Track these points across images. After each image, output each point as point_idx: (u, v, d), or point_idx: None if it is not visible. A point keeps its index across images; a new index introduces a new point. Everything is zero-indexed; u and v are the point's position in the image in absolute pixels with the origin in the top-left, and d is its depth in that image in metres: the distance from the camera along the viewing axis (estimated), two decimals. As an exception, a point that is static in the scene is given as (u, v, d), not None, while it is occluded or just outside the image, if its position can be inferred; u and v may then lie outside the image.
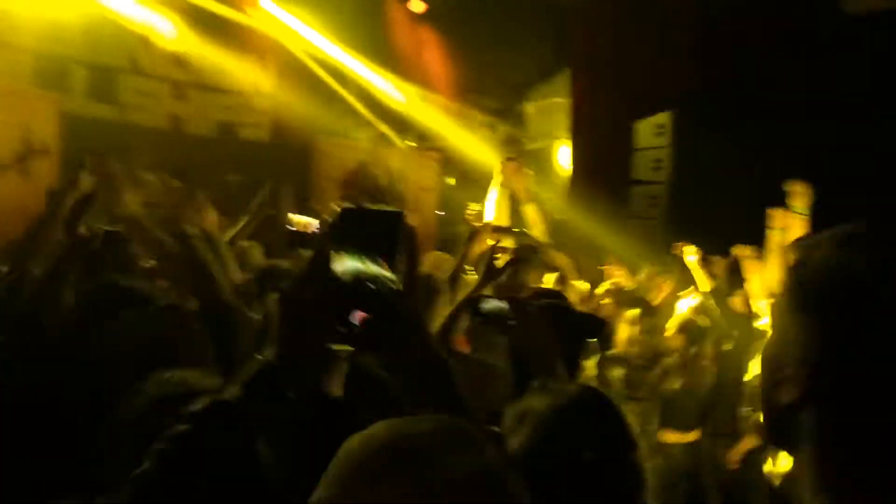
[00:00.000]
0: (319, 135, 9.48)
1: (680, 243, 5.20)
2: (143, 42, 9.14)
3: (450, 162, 10.04)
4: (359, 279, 1.19)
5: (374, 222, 1.28)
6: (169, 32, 8.93)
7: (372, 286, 1.19)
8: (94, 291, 2.50)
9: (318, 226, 5.76)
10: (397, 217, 1.28)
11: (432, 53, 10.40)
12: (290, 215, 5.82)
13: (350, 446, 0.95)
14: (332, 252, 1.20)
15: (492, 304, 2.69)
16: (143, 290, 2.51)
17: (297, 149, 9.43)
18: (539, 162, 9.43)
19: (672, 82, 7.62)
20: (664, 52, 7.62)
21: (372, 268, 1.20)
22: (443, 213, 9.41)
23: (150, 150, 8.48)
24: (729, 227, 5.11)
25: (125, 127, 8.43)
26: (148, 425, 1.30)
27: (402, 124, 10.80)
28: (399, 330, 1.22)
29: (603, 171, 8.17)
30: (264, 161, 9.32)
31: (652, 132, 7.94)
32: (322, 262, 1.21)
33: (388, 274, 1.20)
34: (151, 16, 8.75)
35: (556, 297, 3.06)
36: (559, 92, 9.28)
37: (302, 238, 5.31)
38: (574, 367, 2.59)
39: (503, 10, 9.22)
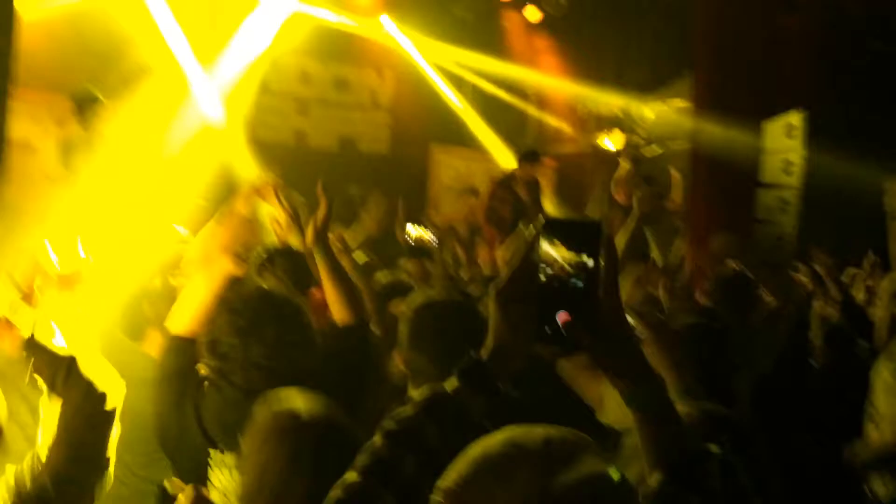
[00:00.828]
0: (438, 145, 9.64)
1: (816, 249, 4.85)
2: (269, 60, 9.61)
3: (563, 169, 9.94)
4: (564, 281, 1.24)
5: (576, 232, 1.34)
6: (293, 50, 9.35)
7: (578, 288, 1.26)
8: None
9: (435, 236, 5.82)
10: (598, 227, 1.34)
11: (549, 61, 10.35)
12: (408, 227, 5.91)
13: (474, 450, 1.09)
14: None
15: None
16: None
17: (416, 160, 9.63)
18: (659, 167, 9.17)
19: (802, 81, 7.24)
20: (793, 49, 7.25)
21: (572, 258, 1.28)
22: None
23: (276, 166, 8.93)
24: (864, 234, 4.78)
25: (252, 144, 8.85)
26: None
27: (519, 133, 10.81)
28: (603, 332, 1.26)
29: (725, 173, 7.84)
30: (384, 173, 9.56)
31: (783, 133, 7.55)
32: (531, 262, 1.26)
33: (586, 260, 1.27)
34: (276, 35, 9.20)
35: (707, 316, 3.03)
36: (679, 95, 9.01)
37: (421, 248, 5.38)
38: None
39: (619, 15, 9.06)
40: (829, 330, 3.91)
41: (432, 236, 6.02)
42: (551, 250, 1.27)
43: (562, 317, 1.24)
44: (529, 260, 1.27)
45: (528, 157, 7.51)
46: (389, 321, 3.20)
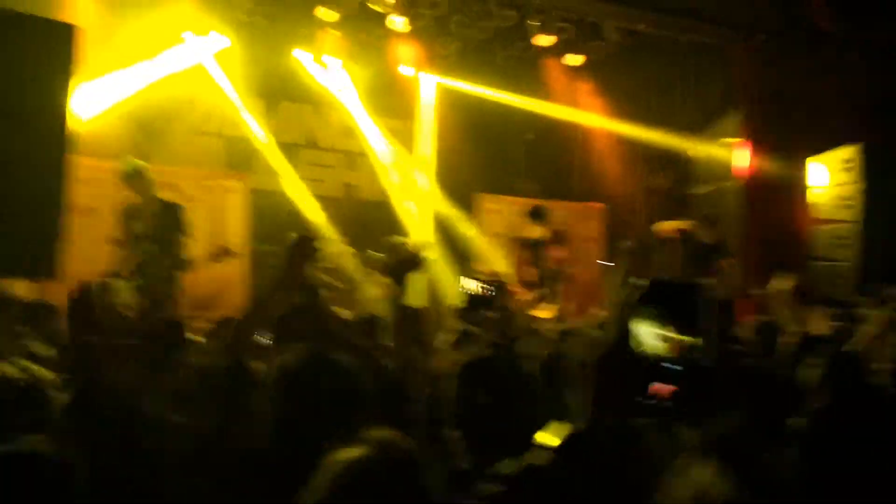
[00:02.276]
0: (481, 193, 9.69)
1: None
2: (318, 118, 9.87)
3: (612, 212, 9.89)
4: (656, 353, 1.26)
5: (675, 294, 1.35)
6: (341, 107, 9.59)
7: (676, 363, 1.25)
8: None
9: (493, 287, 5.80)
10: (695, 289, 1.34)
11: (594, 104, 10.36)
12: (462, 279, 5.91)
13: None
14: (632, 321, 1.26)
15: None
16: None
17: (460, 208, 9.68)
18: (709, 205, 9.04)
19: (852, 114, 7.09)
20: (838, 82, 7.12)
21: (672, 336, 1.27)
22: (606, 263, 9.24)
23: (328, 217, 9.12)
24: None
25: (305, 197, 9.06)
26: None
27: (566, 177, 10.80)
28: (709, 403, 1.27)
29: (777, 211, 7.69)
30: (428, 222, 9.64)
31: (838, 167, 7.37)
32: (625, 332, 1.29)
33: (687, 340, 1.26)
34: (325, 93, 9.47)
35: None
36: (728, 133, 8.90)
37: (480, 300, 5.35)
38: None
39: (662, 55, 9.05)
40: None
41: (489, 289, 6.00)
42: (647, 330, 1.24)
43: (663, 389, 1.21)
44: (624, 330, 1.24)
45: (534, 214, 7.66)
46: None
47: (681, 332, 1.24)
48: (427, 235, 9.36)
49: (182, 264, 5.79)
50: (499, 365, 2.39)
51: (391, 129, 10.08)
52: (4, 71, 4.89)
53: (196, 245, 6.07)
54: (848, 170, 7.23)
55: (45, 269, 4.88)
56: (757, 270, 7.52)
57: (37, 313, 4.17)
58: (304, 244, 2.61)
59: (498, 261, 8.60)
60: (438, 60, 9.66)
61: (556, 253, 8.00)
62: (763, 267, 7.64)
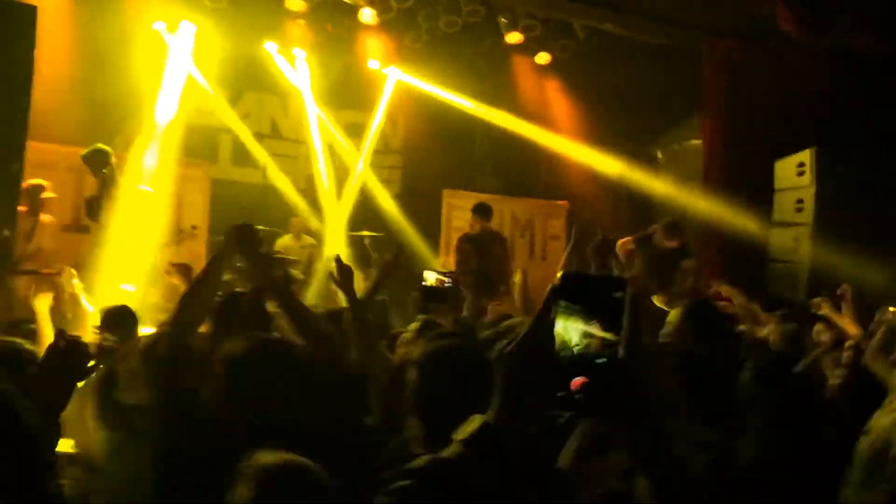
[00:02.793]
0: (449, 190, 9.69)
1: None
2: (282, 108, 9.78)
3: (576, 211, 9.97)
4: (584, 350, 1.24)
5: (597, 288, 1.32)
6: (304, 97, 9.50)
7: (598, 357, 1.23)
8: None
9: (450, 281, 5.82)
10: (620, 284, 1.32)
11: (560, 103, 10.44)
12: (425, 272, 5.93)
13: None
14: (553, 315, 1.23)
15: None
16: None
17: (427, 202, 9.68)
18: (671, 205, 9.17)
19: (811, 118, 7.25)
20: (801, 87, 7.28)
21: (596, 333, 1.24)
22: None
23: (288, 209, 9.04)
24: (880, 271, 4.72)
25: (266, 188, 8.96)
26: None
27: (531, 174, 10.85)
28: (622, 397, 1.23)
29: (740, 213, 7.82)
30: (395, 216, 9.62)
31: (793, 171, 7.53)
32: (546, 327, 1.24)
33: (609, 337, 1.24)
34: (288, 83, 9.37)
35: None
36: (691, 135, 9.04)
37: (436, 293, 5.35)
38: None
39: (629, 56, 9.14)
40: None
41: (447, 282, 6.01)
42: (573, 326, 1.23)
43: (576, 383, 1.20)
44: (545, 325, 1.22)
45: (480, 210, 7.53)
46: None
47: (606, 328, 1.24)
48: (389, 229, 9.34)
49: None
50: (459, 355, 2.39)
51: (356, 123, 10.03)
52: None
53: (157, 230, 5.95)
54: (802, 173, 7.39)
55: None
56: (719, 272, 7.66)
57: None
58: (244, 232, 2.57)
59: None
60: (406, 54, 9.63)
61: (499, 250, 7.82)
62: (724, 268, 7.79)
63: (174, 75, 8.36)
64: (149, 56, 8.17)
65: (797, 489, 2.26)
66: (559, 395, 1.23)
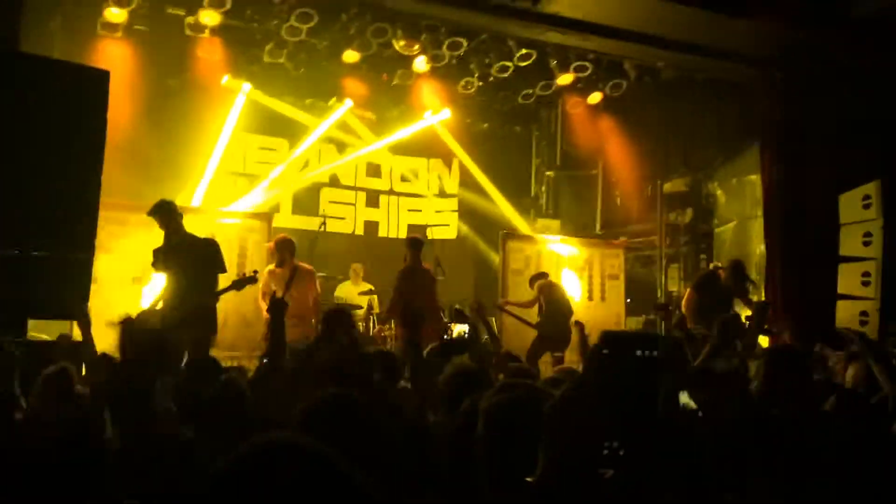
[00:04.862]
0: (505, 231, 9.73)
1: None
2: (342, 156, 10.03)
3: (634, 249, 9.89)
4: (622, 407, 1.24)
5: (630, 345, 1.34)
6: (363, 147, 9.75)
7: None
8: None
9: (469, 331, 5.77)
10: (653, 341, 1.34)
11: (613, 141, 10.43)
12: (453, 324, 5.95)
13: None
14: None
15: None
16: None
17: (483, 246, 9.74)
18: (728, 242, 9.02)
19: (874, 148, 7.05)
20: (858, 116, 7.10)
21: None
22: (630, 301, 9.21)
23: (348, 255, 9.21)
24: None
25: (325, 235, 9.15)
26: None
27: (588, 216, 10.83)
28: (661, 456, 1.25)
29: (804, 248, 7.62)
30: (453, 259, 9.67)
31: (859, 204, 7.33)
32: (584, 386, 1.26)
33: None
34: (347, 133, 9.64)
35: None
36: (749, 169, 8.90)
37: (452, 345, 5.29)
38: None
39: (682, 90, 9.11)
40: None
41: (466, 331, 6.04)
42: None
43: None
44: (584, 385, 1.27)
45: (412, 243, 7.05)
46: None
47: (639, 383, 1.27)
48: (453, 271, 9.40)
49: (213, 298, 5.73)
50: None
51: (413, 168, 10.21)
52: (44, 114, 5.04)
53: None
54: (867, 206, 7.19)
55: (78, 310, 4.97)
56: (785, 309, 7.48)
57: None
58: (340, 315, 2.78)
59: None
60: (459, 100, 9.79)
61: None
62: (791, 305, 7.58)
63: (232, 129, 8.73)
64: (212, 112, 8.55)
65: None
66: (604, 451, 1.24)
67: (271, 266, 6.84)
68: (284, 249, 6.73)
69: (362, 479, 1.05)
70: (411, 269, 6.99)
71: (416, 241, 7.20)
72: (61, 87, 5.14)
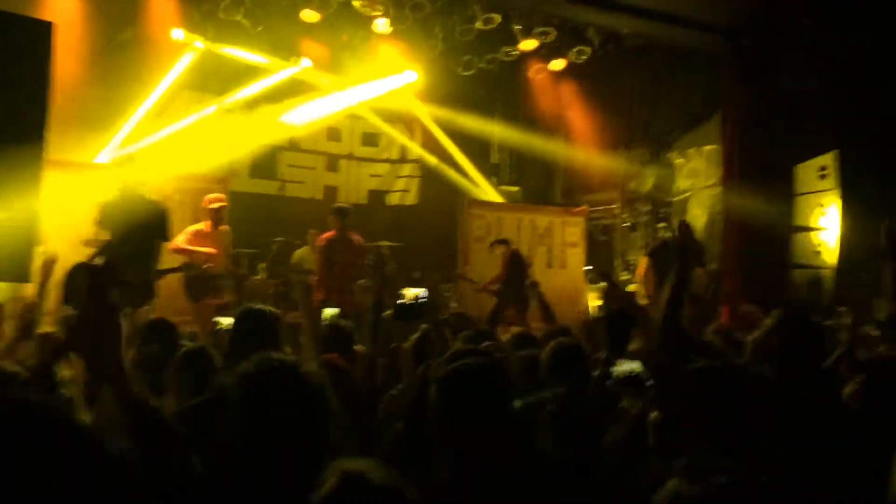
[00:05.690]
0: (464, 197, 9.67)
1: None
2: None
3: (595, 217, 9.91)
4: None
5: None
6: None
7: None
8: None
9: (424, 296, 5.73)
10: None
11: (576, 108, 10.39)
12: (404, 289, 5.91)
13: None
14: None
15: (624, 368, 2.57)
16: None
17: (444, 211, 9.65)
18: (687, 210, 9.09)
19: (834, 120, 7.11)
20: (823, 89, 7.14)
21: None
22: (590, 269, 9.24)
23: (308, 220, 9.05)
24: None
25: (284, 200, 8.99)
26: None
27: (548, 182, 10.82)
28: None
29: (761, 217, 7.70)
30: (413, 225, 9.59)
31: (815, 175, 7.42)
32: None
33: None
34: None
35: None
36: (709, 138, 8.94)
37: (410, 310, 5.26)
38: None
39: (646, 59, 9.08)
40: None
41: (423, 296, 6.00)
42: None
43: None
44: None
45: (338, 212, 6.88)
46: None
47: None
48: (412, 238, 9.32)
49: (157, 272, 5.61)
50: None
51: (372, 132, 10.05)
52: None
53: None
54: (823, 177, 7.28)
55: (22, 273, 4.79)
56: (739, 277, 7.57)
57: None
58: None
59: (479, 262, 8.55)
60: (420, 63, 9.63)
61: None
62: (744, 273, 7.68)
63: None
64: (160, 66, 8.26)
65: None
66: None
67: (202, 225, 6.63)
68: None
69: None
70: (338, 238, 6.80)
71: (343, 210, 7.02)
72: (1, 39, 4.89)
